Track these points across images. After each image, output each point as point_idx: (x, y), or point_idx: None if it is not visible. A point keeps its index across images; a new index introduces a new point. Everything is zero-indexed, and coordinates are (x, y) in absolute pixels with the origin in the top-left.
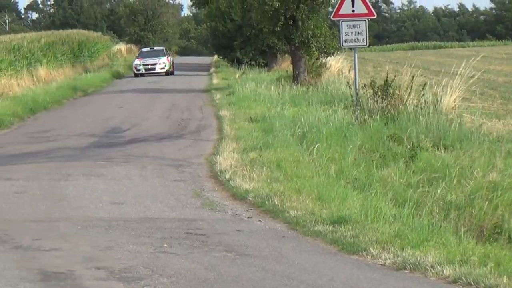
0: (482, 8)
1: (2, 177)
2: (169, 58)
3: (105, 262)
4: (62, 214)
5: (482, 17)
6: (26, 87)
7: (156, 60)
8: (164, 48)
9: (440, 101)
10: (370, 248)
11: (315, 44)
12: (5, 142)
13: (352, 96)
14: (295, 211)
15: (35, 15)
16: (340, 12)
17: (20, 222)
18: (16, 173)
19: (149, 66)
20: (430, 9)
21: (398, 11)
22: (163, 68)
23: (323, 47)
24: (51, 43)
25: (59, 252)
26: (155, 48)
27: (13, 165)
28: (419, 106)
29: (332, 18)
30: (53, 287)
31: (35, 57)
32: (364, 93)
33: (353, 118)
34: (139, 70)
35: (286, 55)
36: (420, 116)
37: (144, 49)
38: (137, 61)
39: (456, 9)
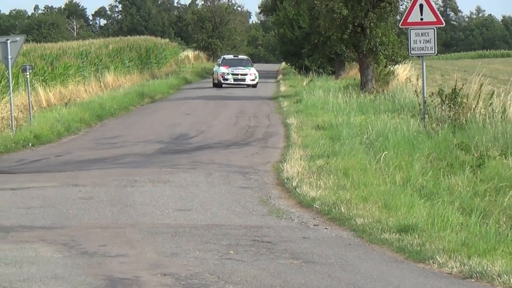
0: None
1: (69, 183)
2: (255, 69)
3: (171, 268)
4: (129, 220)
5: None
6: (94, 94)
7: (246, 70)
8: (248, 58)
9: (508, 109)
10: (437, 257)
11: (383, 52)
12: (72, 148)
13: (419, 104)
14: (362, 219)
15: (103, 22)
16: (408, 20)
17: (87, 228)
18: (83, 179)
19: (239, 77)
20: (499, 18)
21: (467, 19)
22: (253, 80)
23: (391, 55)
24: (118, 49)
25: (125, 258)
26: (239, 56)
27: (80, 171)
28: (487, 115)
29: (401, 26)
30: None
31: (102, 63)
32: (432, 101)
33: (421, 126)
34: (226, 79)
35: (354, 62)
36: (488, 125)
37: (227, 56)
38: (223, 69)
39: None
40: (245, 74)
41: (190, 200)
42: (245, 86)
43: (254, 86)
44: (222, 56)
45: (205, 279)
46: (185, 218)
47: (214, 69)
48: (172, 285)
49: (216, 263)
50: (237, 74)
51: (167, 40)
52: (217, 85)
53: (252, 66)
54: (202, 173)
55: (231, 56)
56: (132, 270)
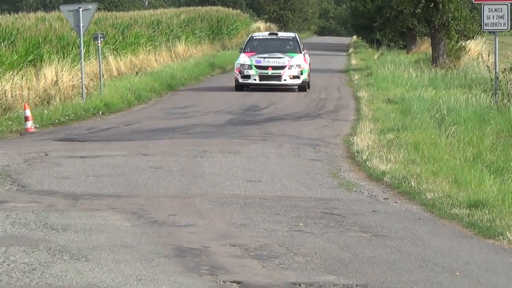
0: None
1: (139, 152)
2: (306, 57)
3: (240, 239)
4: (198, 191)
5: None
6: (164, 63)
7: (284, 60)
8: (296, 36)
9: None
10: (507, 233)
11: (455, 27)
12: (142, 117)
13: (491, 80)
14: (432, 194)
15: None
16: None
17: (156, 197)
18: (153, 148)
19: (270, 72)
20: None
21: None
22: (296, 77)
23: (462, 30)
24: (190, 19)
25: (194, 228)
26: (280, 34)
27: (150, 140)
28: None
29: (474, 2)
30: (188, 263)
31: (173, 33)
32: (504, 77)
33: (492, 102)
34: (247, 77)
35: (425, 37)
36: None
37: (259, 35)
38: (244, 58)
39: None
40: (282, 67)
41: (260, 172)
42: (282, 87)
43: (301, 88)
44: (251, 36)
45: (274, 251)
46: (255, 189)
47: (237, 60)
48: (241, 256)
49: (285, 235)
50: (266, 68)
51: (239, 11)
52: (239, 87)
53: (300, 51)
54: (272, 145)
55: (266, 35)
56: (201, 240)
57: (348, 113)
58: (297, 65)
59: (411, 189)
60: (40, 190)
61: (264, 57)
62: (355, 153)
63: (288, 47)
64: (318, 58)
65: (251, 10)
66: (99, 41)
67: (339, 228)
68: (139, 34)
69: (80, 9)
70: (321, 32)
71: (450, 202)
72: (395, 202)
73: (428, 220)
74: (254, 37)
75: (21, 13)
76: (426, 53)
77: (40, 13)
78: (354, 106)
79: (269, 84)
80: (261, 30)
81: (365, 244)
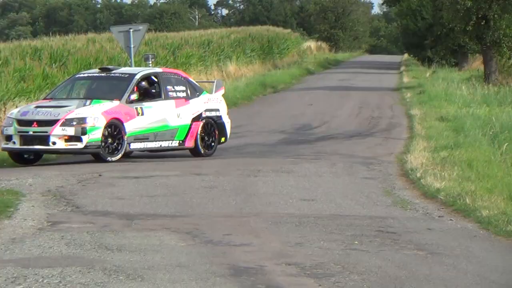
0: None
1: (193, 171)
2: (141, 109)
3: (296, 258)
4: (252, 210)
5: None
6: None
7: (62, 110)
8: (148, 72)
9: None
10: None
11: (506, 44)
12: None
13: None
14: (487, 211)
15: (224, 11)
16: None
17: (211, 216)
18: (206, 168)
19: (32, 131)
20: None
21: None
22: (76, 138)
23: None
24: (240, 39)
25: (250, 247)
26: (119, 71)
27: (203, 160)
28: None
29: None
30: (243, 282)
31: (224, 53)
32: None
33: None
34: (8, 138)
35: (477, 54)
36: None
37: (85, 72)
38: (20, 109)
39: None
40: (51, 122)
41: (313, 190)
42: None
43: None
44: (73, 74)
45: (330, 269)
46: (309, 208)
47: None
48: (297, 275)
49: (340, 253)
50: (31, 123)
51: (289, 30)
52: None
53: (128, 98)
54: (326, 164)
55: (92, 72)
56: (257, 259)
57: (401, 131)
58: (79, 119)
59: (466, 206)
60: (95, 211)
61: (40, 106)
62: (409, 171)
63: (115, 91)
64: (370, 76)
65: (301, 29)
66: (150, 62)
67: (394, 246)
68: (190, 54)
69: (131, 30)
70: (372, 50)
71: (506, 219)
72: (450, 219)
73: (484, 237)
74: (76, 76)
75: (71, 34)
76: (478, 70)
77: (91, 35)
78: (407, 124)
79: (32, 150)
80: (312, 49)
81: (421, 262)
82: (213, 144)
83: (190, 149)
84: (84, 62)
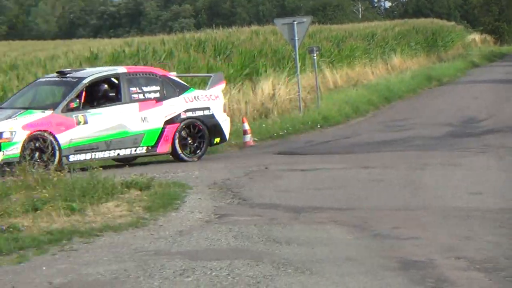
0: None
1: (359, 164)
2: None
3: (465, 252)
4: (420, 203)
5: None
6: (380, 76)
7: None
8: (100, 75)
9: None
10: None
11: None
12: (361, 130)
13: None
14: None
15: (387, 4)
16: None
17: (378, 210)
18: (373, 161)
19: None
20: None
21: None
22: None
23: None
24: (404, 31)
25: (418, 241)
26: (77, 74)
27: (369, 153)
28: None
29: None
30: (413, 276)
31: (389, 45)
32: None
33: None
34: None
35: None
36: None
37: (45, 77)
38: None
39: None
40: None
41: (481, 184)
42: None
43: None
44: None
45: (500, 263)
46: (477, 202)
47: None
48: (466, 269)
49: (510, 248)
50: None
51: (453, 23)
52: None
53: (66, 107)
54: (493, 157)
55: (51, 77)
56: (425, 253)
57: None
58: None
59: None
60: (261, 204)
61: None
62: None
63: (54, 99)
64: None
65: (465, 21)
66: (315, 54)
67: None
68: (355, 46)
69: (295, 23)
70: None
71: None
72: None
73: None
74: (37, 81)
75: (234, 27)
76: None
77: (254, 27)
78: None
79: None
80: (476, 41)
81: None
82: (201, 147)
83: (171, 154)
84: (248, 55)
